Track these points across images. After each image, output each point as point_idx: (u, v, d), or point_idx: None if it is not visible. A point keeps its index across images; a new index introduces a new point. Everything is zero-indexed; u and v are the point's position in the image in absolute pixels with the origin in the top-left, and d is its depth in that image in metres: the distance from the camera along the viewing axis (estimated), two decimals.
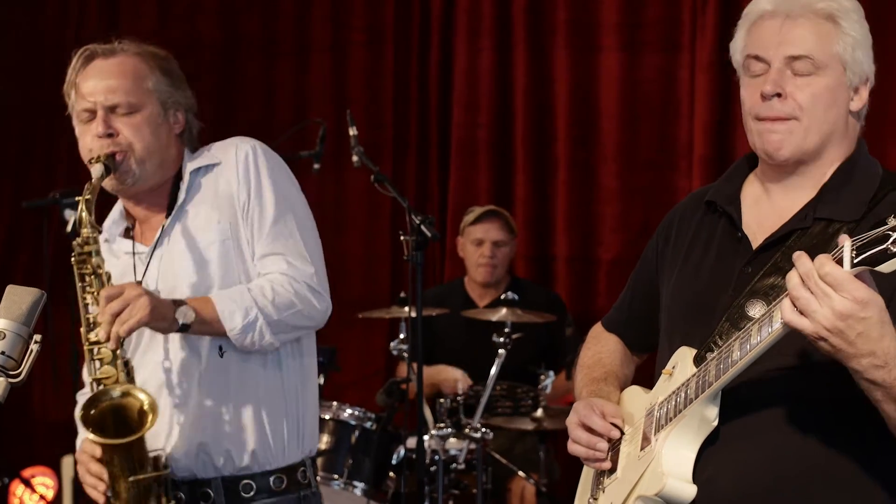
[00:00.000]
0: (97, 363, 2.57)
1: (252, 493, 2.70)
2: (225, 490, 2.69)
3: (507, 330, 4.38)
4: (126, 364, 2.58)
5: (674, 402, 2.11)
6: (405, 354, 4.29)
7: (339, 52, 6.01)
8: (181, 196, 2.75)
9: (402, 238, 3.71)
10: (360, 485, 4.17)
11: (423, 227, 3.61)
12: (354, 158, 4.11)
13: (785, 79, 2.08)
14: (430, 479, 4.17)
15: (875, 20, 4.87)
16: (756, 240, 2.16)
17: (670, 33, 5.30)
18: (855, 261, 1.71)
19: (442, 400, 4.41)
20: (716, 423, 2.05)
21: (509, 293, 4.61)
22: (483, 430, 4.24)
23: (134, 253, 2.74)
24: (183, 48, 6.20)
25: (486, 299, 5.16)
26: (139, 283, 2.64)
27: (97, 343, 2.56)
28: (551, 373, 4.53)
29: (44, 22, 6.40)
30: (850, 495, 2.03)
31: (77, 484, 4.58)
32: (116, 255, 2.79)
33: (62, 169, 6.33)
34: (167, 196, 2.77)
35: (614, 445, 2.27)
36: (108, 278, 2.60)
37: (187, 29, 6.23)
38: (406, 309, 4.21)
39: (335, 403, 4.27)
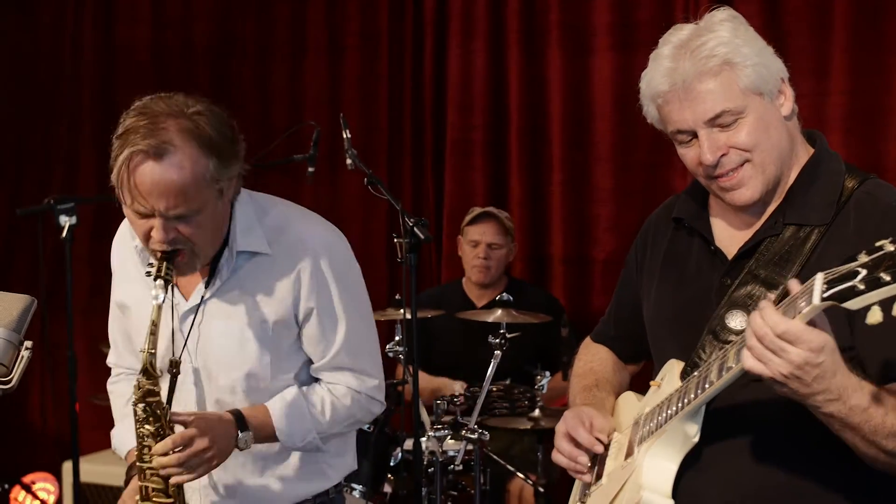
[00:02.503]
0: (148, 478, 2.51)
1: None
2: None
3: (502, 331, 4.39)
4: (179, 489, 2.53)
5: (657, 416, 2.15)
6: (401, 357, 4.29)
7: (334, 56, 6.03)
8: (224, 274, 2.60)
9: (395, 240, 3.73)
10: (358, 487, 4.16)
11: (416, 230, 3.62)
12: (348, 161, 4.12)
13: (716, 137, 2.10)
14: (427, 480, 4.18)
15: (869, 23, 4.91)
16: (730, 251, 2.19)
17: (663, 32, 5.29)
18: (825, 295, 1.72)
19: (439, 401, 4.41)
20: (696, 439, 2.08)
21: (504, 294, 4.62)
22: (480, 430, 4.24)
23: (173, 305, 2.61)
24: (178, 53, 6.27)
25: (483, 300, 5.18)
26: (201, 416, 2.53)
27: (151, 468, 2.49)
28: (547, 373, 4.54)
29: (39, 28, 6.42)
30: None
31: (78, 489, 4.59)
32: (144, 285, 2.59)
33: (59, 174, 6.35)
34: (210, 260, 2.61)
35: (602, 453, 2.30)
36: (166, 414, 2.49)
37: (182, 33, 6.25)
38: (401, 311, 4.21)
39: None
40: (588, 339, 2.63)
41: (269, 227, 2.61)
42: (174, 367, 2.52)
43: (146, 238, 2.46)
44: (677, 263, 2.29)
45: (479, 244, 5.15)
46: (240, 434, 2.52)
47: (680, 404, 2.05)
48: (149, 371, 2.44)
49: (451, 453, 4.25)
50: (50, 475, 5.74)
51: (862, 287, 1.67)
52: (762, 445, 2.07)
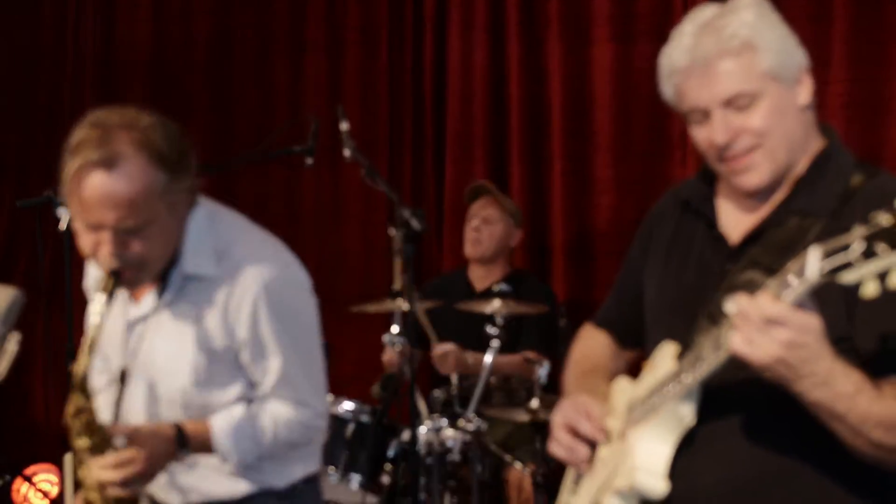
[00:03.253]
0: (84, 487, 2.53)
1: None
2: None
3: (498, 321, 4.39)
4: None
5: (651, 398, 2.14)
6: (399, 348, 4.29)
7: (334, 49, 6.04)
8: (169, 294, 2.60)
9: (390, 232, 3.74)
10: (356, 477, 4.18)
11: (411, 221, 3.63)
12: (346, 152, 4.14)
13: (730, 119, 2.09)
14: (425, 471, 4.19)
15: (869, 12, 4.90)
16: (734, 237, 2.18)
17: (663, 23, 5.29)
18: (819, 268, 1.72)
19: (437, 392, 4.42)
20: (691, 420, 2.07)
21: (502, 284, 4.62)
22: (477, 421, 4.25)
23: (125, 310, 2.64)
24: (178, 48, 6.28)
25: (484, 283, 5.16)
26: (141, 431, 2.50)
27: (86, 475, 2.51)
28: (546, 362, 4.53)
29: (41, 25, 6.43)
30: (831, 493, 2.04)
31: (77, 481, 4.61)
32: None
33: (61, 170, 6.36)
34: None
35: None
36: (102, 429, 2.48)
37: (182, 28, 6.26)
38: (398, 302, 4.21)
39: (331, 397, 4.28)
40: (588, 324, 2.63)
41: (217, 249, 2.59)
42: (123, 375, 2.53)
43: (94, 252, 2.46)
44: (681, 247, 2.29)
45: (473, 218, 5.15)
46: (179, 451, 2.52)
47: (674, 385, 2.05)
48: (82, 387, 2.45)
49: (449, 444, 4.25)
50: (53, 466, 5.76)
51: (856, 260, 1.67)
52: (760, 427, 2.06)
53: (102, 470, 2.43)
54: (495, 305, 4.48)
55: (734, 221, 2.21)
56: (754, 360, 1.84)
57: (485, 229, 5.14)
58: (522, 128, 5.64)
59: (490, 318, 4.43)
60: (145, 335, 2.61)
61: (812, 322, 1.82)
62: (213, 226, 2.61)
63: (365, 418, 4.25)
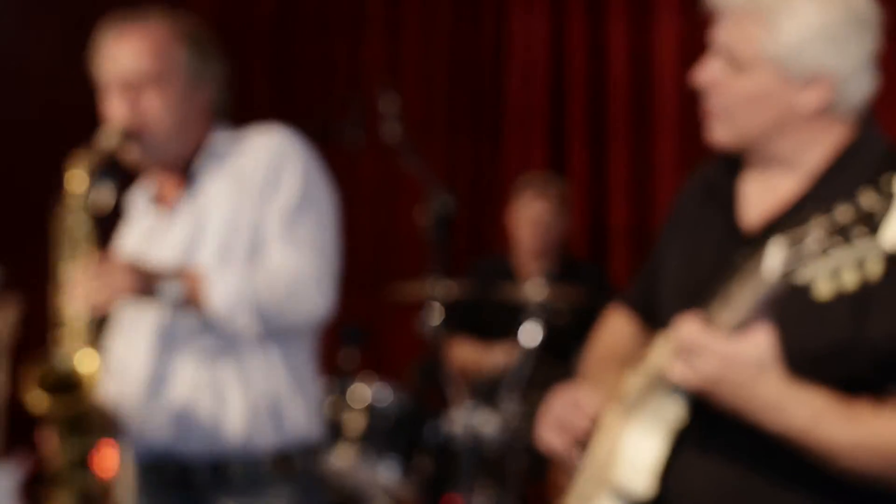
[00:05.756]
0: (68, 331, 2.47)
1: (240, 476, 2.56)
2: (212, 472, 2.56)
3: (538, 309, 4.30)
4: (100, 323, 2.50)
5: (643, 392, 2.04)
6: (435, 332, 4.25)
7: (394, 26, 5.99)
8: (200, 165, 2.62)
9: (419, 217, 3.70)
10: (391, 464, 4.15)
11: (439, 206, 3.58)
12: (388, 134, 4.12)
13: (716, 69, 1.98)
14: (462, 459, 4.14)
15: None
16: (752, 226, 2.06)
17: None
18: (776, 268, 1.64)
19: (476, 380, 4.36)
20: (679, 417, 1.97)
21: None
22: (517, 410, 4.17)
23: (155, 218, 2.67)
24: (240, 25, 6.28)
25: (533, 274, 5.02)
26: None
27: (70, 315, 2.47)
28: None
29: (101, 3, 6.48)
30: (824, 498, 1.92)
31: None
32: (142, 217, 2.71)
33: None
34: (188, 165, 2.64)
35: (594, 429, 2.18)
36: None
37: (245, 6, 6.28)
38: (432, 286, 4.17)
39: (367, 383, 4.25)
40: (613, 305, 2.53)
41: (236, 139, 2.66)
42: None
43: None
44: (700, 231, 2.16)
45: (533, 218, 4.97)
46: (163, 284, 2.43)
47: (663, 381, 1.95)
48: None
49: (487, 433, 4.19)
50: (112, 442, 5.83)
51: (812, 257, 1.59)
52: (753, 427, 1.91)
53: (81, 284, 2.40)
54: (533, 293, 4.38)
55: (755, 209, 2.08)
56: (686, 386, 1.81)
57: (545, 227, 4.95)
58: (584, 107, 5.52)
59: (532, 306, 4.35)
60: (168, 227, 2.61)
61: (742, 349, 1.74)
62: (233, 133, 2.68)
63: (401, 405, 4.20)
